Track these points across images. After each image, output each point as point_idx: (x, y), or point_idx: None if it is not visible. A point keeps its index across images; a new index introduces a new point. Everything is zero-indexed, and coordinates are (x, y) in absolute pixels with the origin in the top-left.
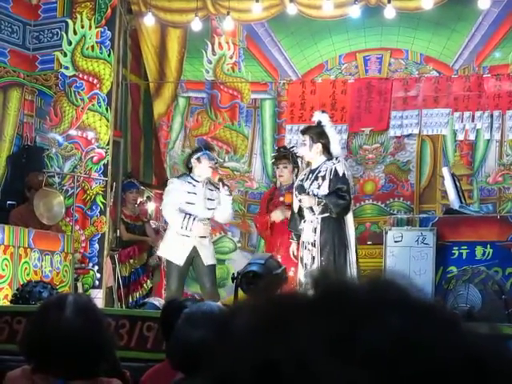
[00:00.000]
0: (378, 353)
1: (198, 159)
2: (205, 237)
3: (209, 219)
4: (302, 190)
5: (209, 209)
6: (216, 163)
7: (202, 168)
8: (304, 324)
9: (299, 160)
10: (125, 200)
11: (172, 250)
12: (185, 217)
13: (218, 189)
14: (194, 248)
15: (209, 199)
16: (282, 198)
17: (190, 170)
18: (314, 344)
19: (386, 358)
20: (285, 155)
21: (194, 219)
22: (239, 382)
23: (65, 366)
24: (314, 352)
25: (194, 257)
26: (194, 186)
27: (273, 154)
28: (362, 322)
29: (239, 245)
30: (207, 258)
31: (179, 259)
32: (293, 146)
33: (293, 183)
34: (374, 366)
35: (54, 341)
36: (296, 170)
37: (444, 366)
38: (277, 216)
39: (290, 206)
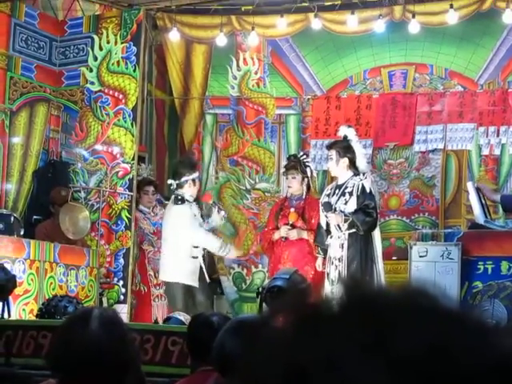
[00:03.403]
0: (408, 360)
1: (194, 181)
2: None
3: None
4: (328, 207)
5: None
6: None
7: (194, 191)
8: (335, 330)
9: (308, 170)
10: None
11: (186, 273)
12: (221, 244)
13: (221, 209)
14: (201, 267)
15: (223, 218)
16: (290, 221)
17: (177, 185)
18: (344, 350)
19: (416, 365)
20: (294, 165)
21: (230, 247)
22: (269, 382)
23: (90, 380)
24: (345, 358)
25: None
26: (191, 207)
27: (284, 164)
28: (393, 329)
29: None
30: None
31: (192, 281)
32: (303, 155)
33: (302, 194)
34: (405, 373)
35: (79, 355)
36: (306, 179)
37: (475, 373)
38: (293, 235)
39: (294, 226)
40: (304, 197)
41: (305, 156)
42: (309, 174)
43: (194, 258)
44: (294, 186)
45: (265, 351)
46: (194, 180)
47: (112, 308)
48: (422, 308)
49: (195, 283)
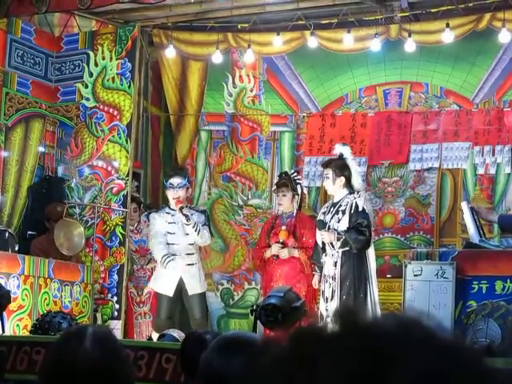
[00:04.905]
0: None
1: (166, 188)
2: (192, 264)
3: (192, 244)
4: (322, 225)
5: (187, 234)
6: (188, 188)
7: (169, 196)
8: (329, 361)
9: (298, 187)
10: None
11: (160, 281)
12: (166, 254)
13: (184, 214)
14: (181, 278)
15: (186, 225)
16: (280, 239)
17: None
18: (338, 381)
19: None
20: (284, 182)
21: (174, 257)
22: None
23: None
24: None
25: (182, 288)
26: (173, 215)
27: (275, 181)
28: (387, 361)
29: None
30: (193, 287)
31: (168, 290)
32: (294, 172)
33: (293, 211)
34: None
35: (72, 372)
36: (297, 197)
37: None
38: (284, 254)
39: (285, 244)
40: (295, 214)
41: (296, 173)
42: (299, 191)
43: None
44: (284, 203)
45: (261, 378)
46: (166, 188)
47: (106, 325)
48: (416, 340)
49: (167, 292)
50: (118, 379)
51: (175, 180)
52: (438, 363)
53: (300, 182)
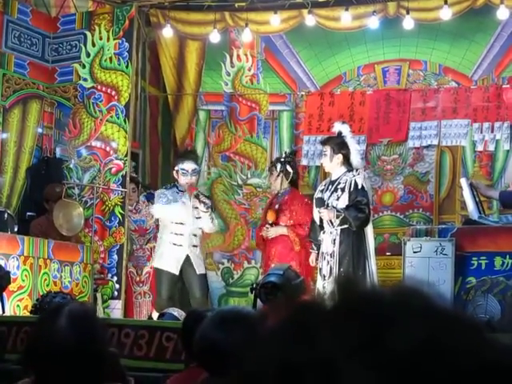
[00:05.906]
0: (401, 359)
1: (177, 172)
2: (196, 246)
3: (200, 228)
4: (321, 202)
5: (196, 218)
6: (196, 174)
7: (181, 181)
8: (328, 329)
9: (278, 165)
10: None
11: (166, 259)
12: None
13: (201, 201)
14: (187, 257)
15: (195, 208)
16: (269, 220)
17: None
18: (338, 349)
19: (409, 365)
20: (273, 163)
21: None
22: (263, 381)
23: (60, 377)
24: (338, 357)
25: (184, 267)
26: (182, 197)
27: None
28: (386, 328)
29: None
30: (199, 266)
31: (174, 268)
32: (291, 152)
33: (282, 189)
34: (398, 372)
35: (46, 351)
36: (281, 175)
37: (466, 373)
38: (270, 234)
39: (274, 224)
40: (285, 192)
41: (290, 154)
42: (279, 169)
43: (175, 245)
44: (272, 183)
45: (260, 348)
46: (177, 171)
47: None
48: (415, 308)
49: (172, 270)
50: (92, 359)
51: (189, 166)
52: (437, 329)
53: (282, 161)
